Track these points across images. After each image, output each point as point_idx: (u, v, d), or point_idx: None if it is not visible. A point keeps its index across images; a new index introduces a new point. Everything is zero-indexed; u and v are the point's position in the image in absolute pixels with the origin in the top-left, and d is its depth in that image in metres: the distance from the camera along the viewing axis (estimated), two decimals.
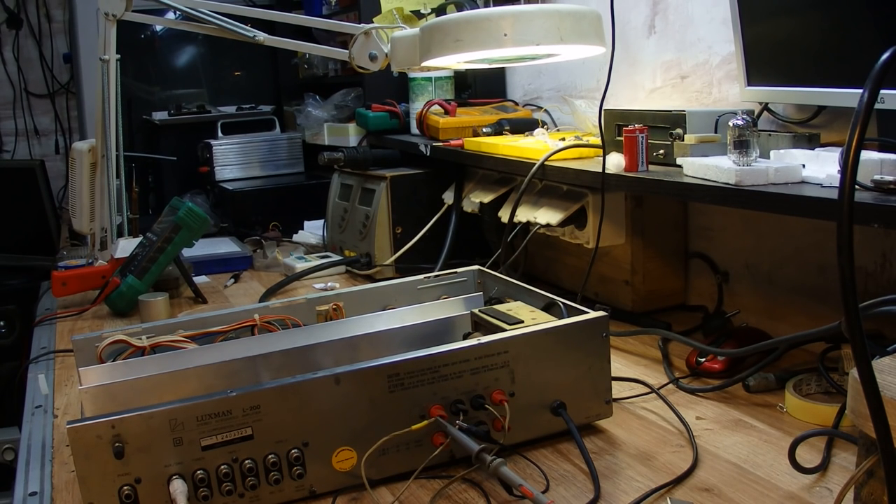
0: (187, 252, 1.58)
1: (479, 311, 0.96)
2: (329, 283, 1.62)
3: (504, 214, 1.41)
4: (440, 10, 1.68)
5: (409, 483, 0.79)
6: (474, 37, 1.01)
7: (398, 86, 1.91)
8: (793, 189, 0.91)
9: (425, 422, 0.80)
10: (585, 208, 1.28)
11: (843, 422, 0.86)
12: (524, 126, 1.57)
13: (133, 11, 1.49)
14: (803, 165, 0.95)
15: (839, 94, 0.97)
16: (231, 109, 2.55)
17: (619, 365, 1.11)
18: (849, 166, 0.49)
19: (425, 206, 1.64)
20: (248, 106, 2.57)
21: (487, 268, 1.15)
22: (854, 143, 0.49)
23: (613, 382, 0.91)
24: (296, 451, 0.77)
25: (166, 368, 0.89)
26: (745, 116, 0.98)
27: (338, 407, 0.78)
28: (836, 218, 0.50)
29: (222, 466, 0.75)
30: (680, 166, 1.07)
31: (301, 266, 1.66)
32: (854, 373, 0.53)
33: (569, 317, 0.90)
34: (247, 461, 0.76)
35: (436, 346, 0.83)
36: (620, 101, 1.49)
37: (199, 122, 2.47)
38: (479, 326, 0.95)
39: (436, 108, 1.69)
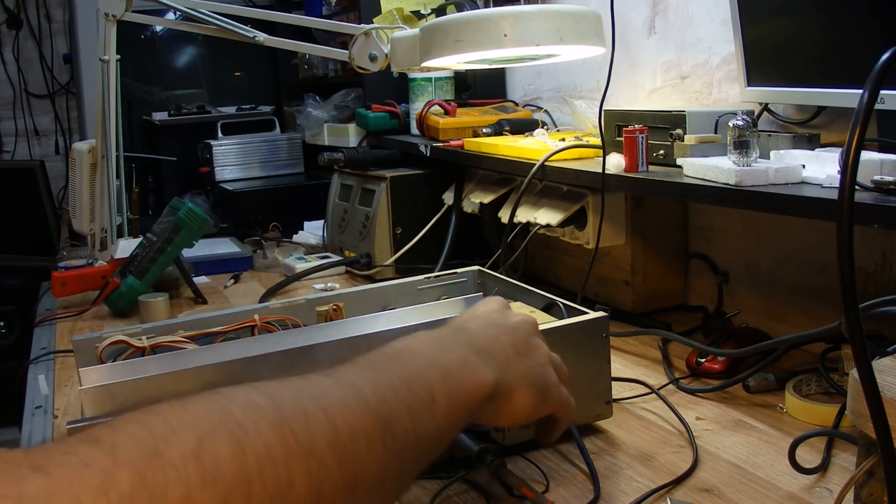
0: (187, 252, 1.58)
1: None
2: (329, 284, 1.62)
3: (504, 215, 1.41)
4: (440, 11, 1.68)
5: None
6: (474, 37, 1.01)
7: (398, 86, 1.91)
8: (793, 189, 0.91)
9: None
10: (585, 209, 1.28)
11: (843, 422, 0.86)
12: (524, 126, 1.56)
13: (133, 12, 1.49)
14: (803, 166, 0.95)
15: (839, 94, 0.97)
16: (231, 110, 2.55)
17: (619, 365, 1.11)
18: (849, 166, 0.49)
19: (425, 206, 1.64)
20: (248, 106, 2.57)
21: (487, 268, 1.15)
22: (854, 144, 0.49)
23: (613, 383, 0.91)
24: None
25: (166, 369, 0.89)
26: (745, 117, 0.98)
27: None
28: (836, 218, 0.50)
29: None
30: (680, 167, 1.07)
31: (301, 266, 1.66)
32: (854, 373, 0.53)
33: (569, 317, 0.90)
34: None
35: None
36: (620, 101, 1.49)
37: (199, 122, 2.47)
38: None
39: (436, 108, 1.69)
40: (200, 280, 1.67)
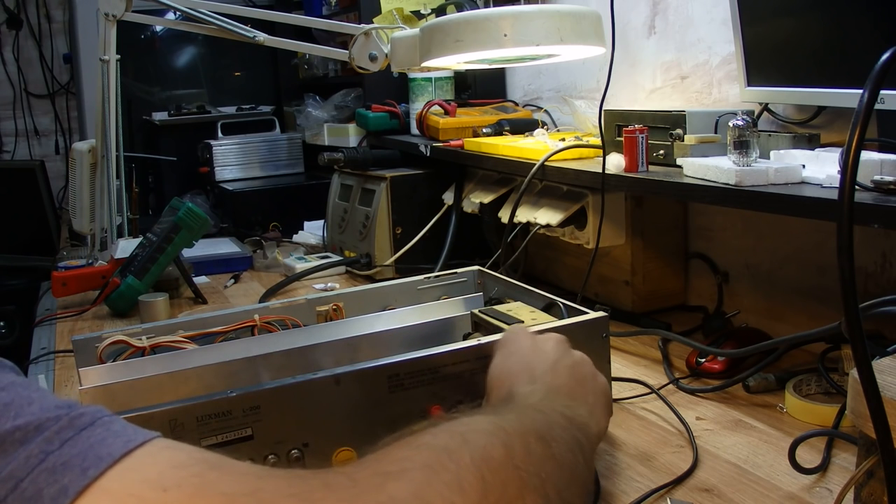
0: (187, 252, 1.58)
1: (479, 311, 0.96)
2: (329, 284, 1.62)
3: (504, 215, 1.41)
4: (440, 11, 1.68)
5: None
6: (474, 37, 1.01)
7: (398, 86, 1.91)
8: (793, 189, 0.91)
9: (425, 422, 0.80)
10: (585, 209, 1.28)
11: (843, 422, 0.86)
12: (524, 126, 1.57)
13: (133, 12, 1.49)
14: (803, 166, 0.95)
15: (839, 94, 0.97)
16: (231, 110, 2.55)
17: (619, 365, 1.11)
18: (849, 166, 0.49)
19: (425, 206, 1.64)
20: (248, 106, 2.57)
21: (487, 268, 1.15)
22: (854, 144, 0.49)
23: (613, 383, 0.91)
24: (296, 451, 0.77)
25: (166, 369, 0.89)
26: (745, 117, 0.98)
27: (338, 407, 0.78)
28: (836, 218, 0.50)
29: None
30: (680, 167, 1.07)
31: (301, 266, 1.66)
32: (854, 373, 0.53)
33: (569, 317, 0.90)
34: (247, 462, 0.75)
35: (436, 346, 0.83)
36: (620, 101, 1.49)
37: (199, 122, 2.47)
38: (479, 327, 0.95)
39: (436, 108, 1.69)
40: (200, 280, 1.67)
